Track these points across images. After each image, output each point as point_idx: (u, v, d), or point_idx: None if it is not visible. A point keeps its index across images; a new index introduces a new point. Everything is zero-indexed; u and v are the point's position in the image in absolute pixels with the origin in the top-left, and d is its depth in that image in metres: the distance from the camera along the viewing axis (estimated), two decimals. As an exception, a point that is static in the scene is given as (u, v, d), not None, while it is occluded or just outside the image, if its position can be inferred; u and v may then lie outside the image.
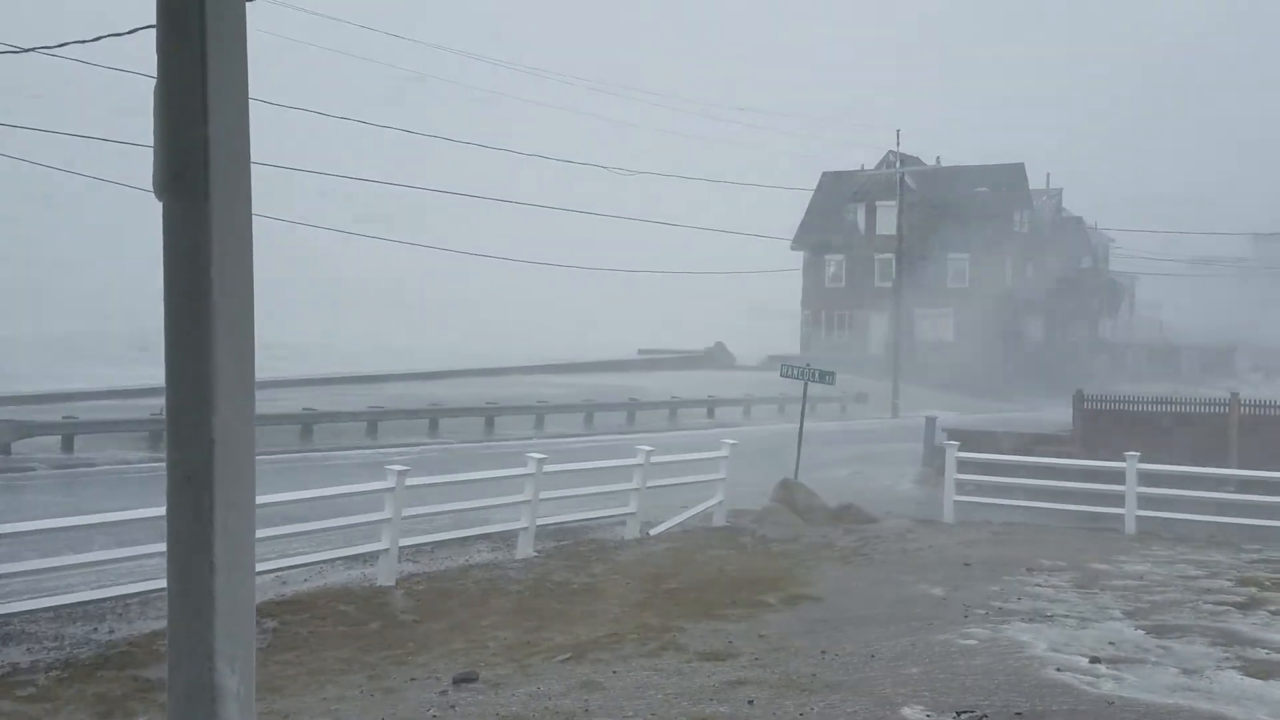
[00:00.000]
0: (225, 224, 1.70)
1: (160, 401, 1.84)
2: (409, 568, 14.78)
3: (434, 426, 37.39)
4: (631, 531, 17.78)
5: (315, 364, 51.96)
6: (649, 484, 18.30)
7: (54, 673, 10.25)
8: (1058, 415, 38.24)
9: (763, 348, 67.66)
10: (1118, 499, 19.17)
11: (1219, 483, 20.74)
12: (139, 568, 12.99)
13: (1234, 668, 10.39)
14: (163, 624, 11.65)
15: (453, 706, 9.23)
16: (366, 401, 38.83)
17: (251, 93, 1.79)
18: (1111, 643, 11.29)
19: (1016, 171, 70.67)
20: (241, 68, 1.73)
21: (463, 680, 9.87)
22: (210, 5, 1.67)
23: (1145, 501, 19.03)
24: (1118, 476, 19.34)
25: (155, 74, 1.73)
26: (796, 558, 16.08)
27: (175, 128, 1.70)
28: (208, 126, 1.68)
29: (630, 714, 9.04)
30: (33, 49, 14.79)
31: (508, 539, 16.46)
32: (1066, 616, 12.40)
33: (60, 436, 29.29)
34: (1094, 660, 10.57)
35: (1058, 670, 10.20)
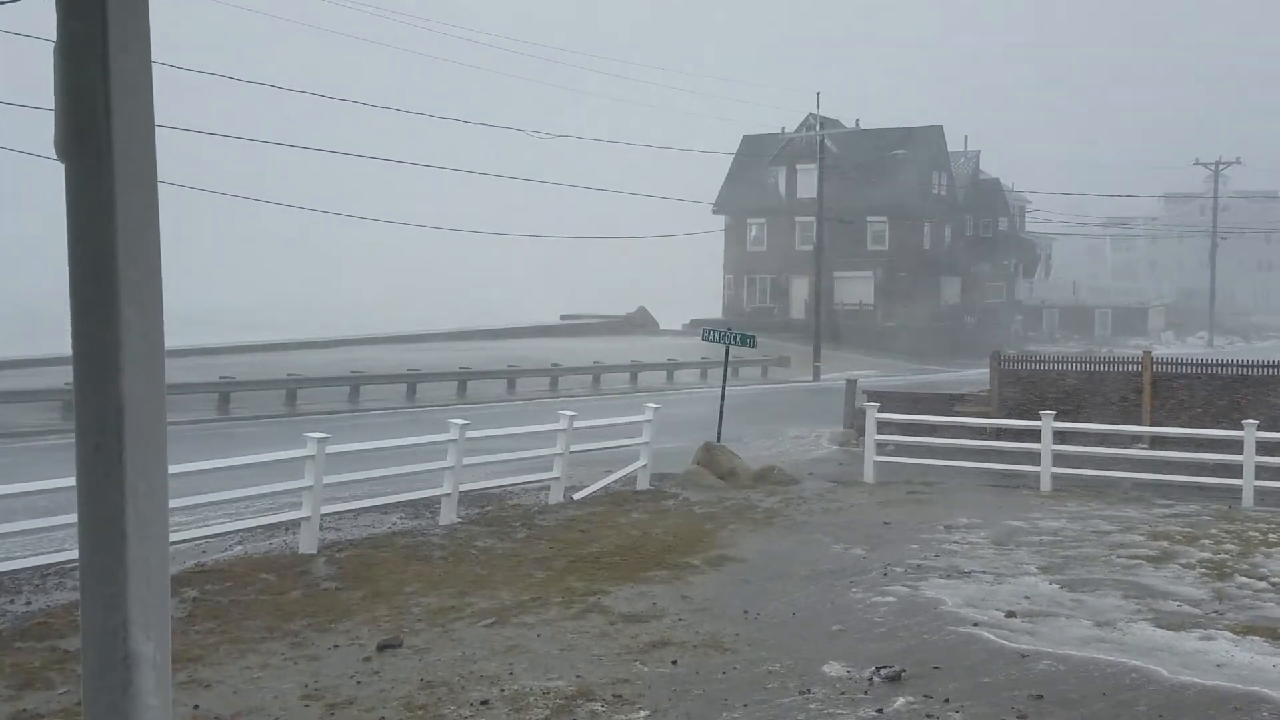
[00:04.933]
0: (130, 185, 1.66)
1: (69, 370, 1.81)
2: (331, 535, 14.64)
3: (355, 394, 37.02)
4: (555, 496, 17.78)
5: (232, 331, 51.13)
6: (572, 449, 18.30)
7: (-31, 646, 10.01)
8: (975, 376, 38.95)
9: (685, 312, 67.94)
10: (1034, 457, 19.57)
11: (1132, 439, 21.25)
12: (55, 538, 12.76)
13: (1146, 620, 10.72)
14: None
15: (377, 673, 9.20)
16: (285, 369, 38.32)
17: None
18: (1027, 597, 11.58)
19: (935, 134, 71.34)
20: (144, 27, 1.70)
21: (387, 646, 9.84)
22: None
23: (1060, 459, 19.45)
24: (1034, 435, 19.75)
25: (55, 34, 1.69)
26: (719, 520, 16.22)
27: (76, 88, 1.66)
28: (109, 86, 1.64)
29: (555, 676, 9.09)
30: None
31: (431, 505, 16.38)
32: (983, 573, 12.69)
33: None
34: (1009, 614, 10.84)
35: (974, 625, 10.45)
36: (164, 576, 1.73)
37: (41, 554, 12.28)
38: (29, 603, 11.51)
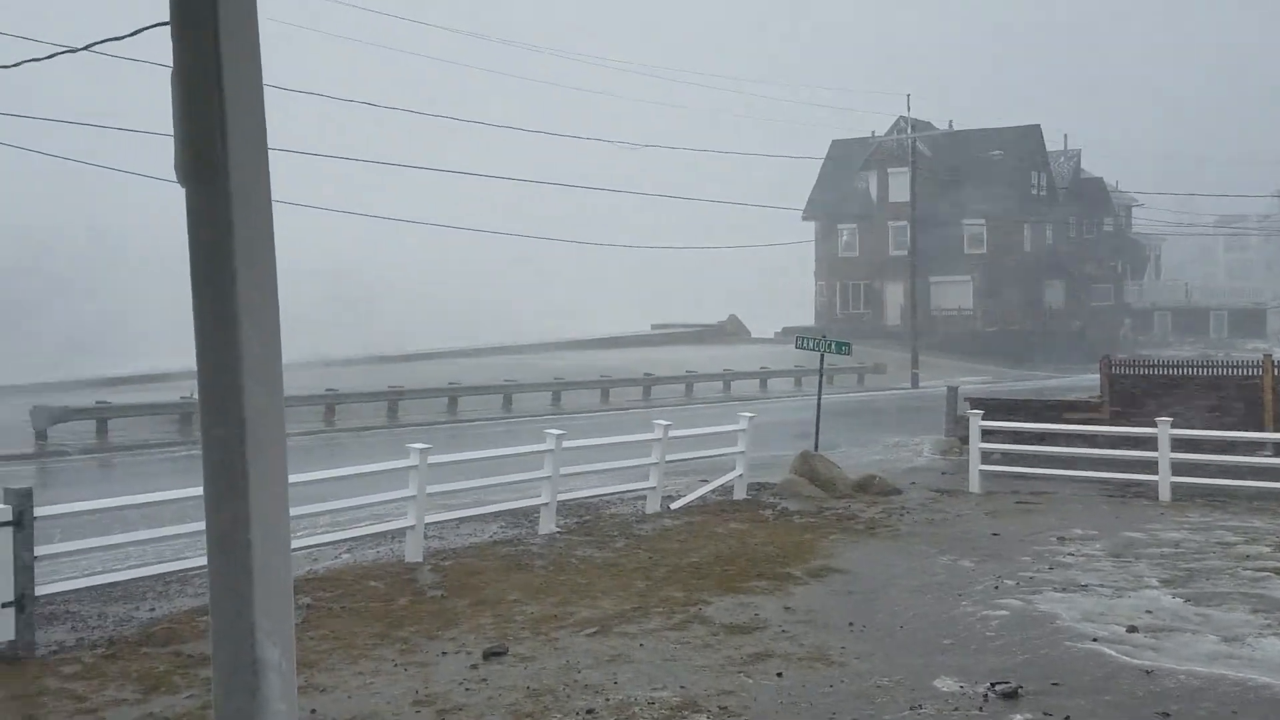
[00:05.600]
0: (246, 206, 1.74)
1: (191, 384, 1.80)
2: (435, 544, 14.78)
3: (453, 405, 37.43)
4: (652, 506, 17.69)
5: (327, 345, 51.76)
6: (668, 458, 18.18)
7: (98, 650, 10.29)
8: (1083, 382, 38.00)
9: (777, 320, 67.53)
10: (1150, 465, 18.88)
11: (1255, 446, 20.44)
12: (179, 547, 13.09)
13: (1276, 635, 10.27)
14: (202, 601, 11.71)
15: (484, 680, 9.21)
16: (386, 381, 38.86)
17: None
18: (1148, 611, 11.17)
19: (1033, 133, 70.01)
20: (254, 52, 1.78)
21: (493, 654, 9.86)
22: None
23: (1179, 467, 18.67)
24: (1149, 443, 19.05)
25: (171, 61, 1.77)
26: (820, 530, 15.98)
27: (193, 114, 1.74)
28: (225, 111, 1.72)
29: (658, 686, 8.98)
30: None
31: (530, 515, 16.41)
32: (1101, 586, 12.28)
33: (95, 421, 29.52)
34: (1131, 629, 10.46)
35: (1094, 640, 10.10)
36: (287, 584, 1.80)
37: (164, 562, 12.62)
38: (153, 609, 11.85)
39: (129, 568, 12.50)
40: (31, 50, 14.92)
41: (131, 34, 12.01)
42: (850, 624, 10.86)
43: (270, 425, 1.75)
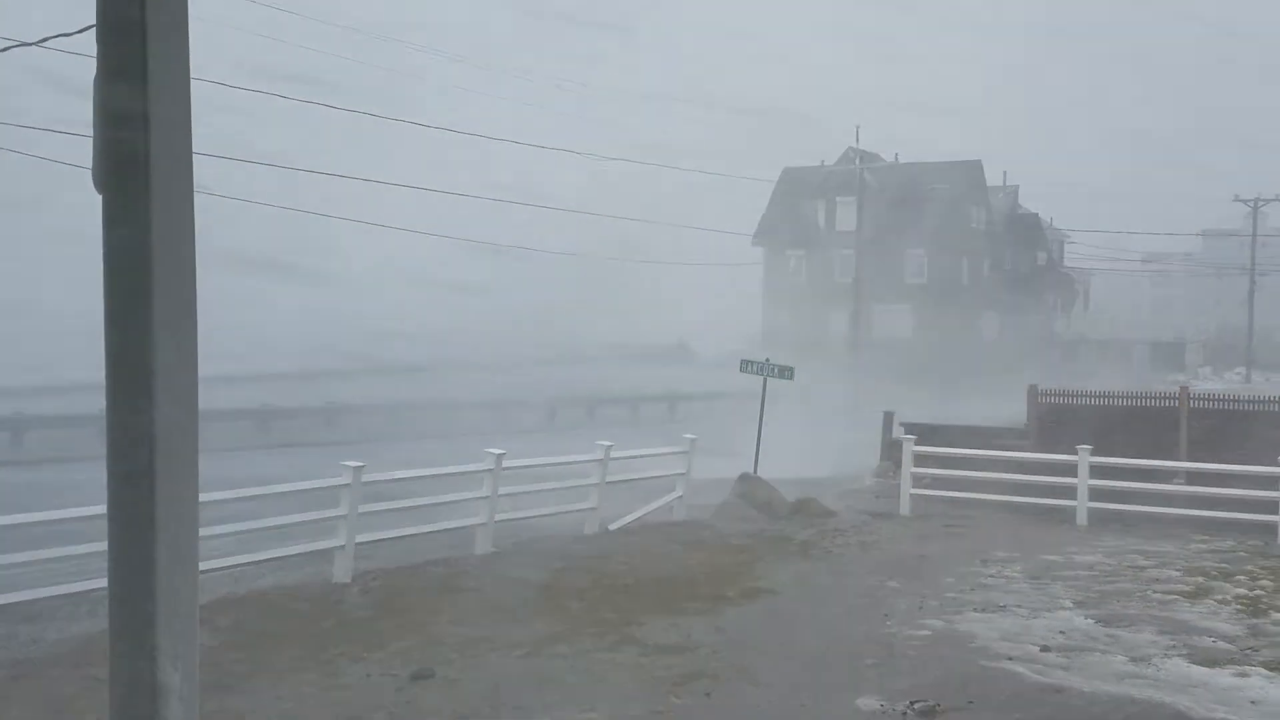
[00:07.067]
0: (166, 216, 1.66)
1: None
2: (365, 564, 14.61)
3: (394, 420, 37.27)
4: (591, 527, 17.78)
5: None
6: (609, 479, 18.27)
7: (3, 671, 10.10)
8: (1013, 410, 38.53)
9: (723, 343, 67.74)
10: (1070, 491, 19.40)
11: (1169, 475, 20.99)
12: (88, 566, 12.79)
13: (1181, 656, 10.59)
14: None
15: (410, 703, 9.21)
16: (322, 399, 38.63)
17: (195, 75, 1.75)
18: (1062, 632, 11.47)
19: (974, 169, 71.19)
20: (183, 57, 1.69)
21: (419, 677, 9.84)
22: None
23: (1096, 494, 19.26)
24: (1070, 469, 19.57)
25: (95, 63, 1.68)
26: (755, 552, 16.18)
27: (115, 119, 1.66)
28: (148, 118, 1.64)
29: (588, 708, 9.07)
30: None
31: (465, 535, 16.39)
32: (1018, 607, 12.59)
33: (9, 432, 28.98)
34: (1044, 649, 10.75)
35: (1009, 659, 10.36)
36: (193, 606, 1.71)
37: (77, 580, 12.28)
38: (62, 630, 11.49)
39: (37, 586, 11.87)
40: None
41: (80, 30, 11.93)
42: (780, 644, 11.04)
43: (182, 442, 1.67)
